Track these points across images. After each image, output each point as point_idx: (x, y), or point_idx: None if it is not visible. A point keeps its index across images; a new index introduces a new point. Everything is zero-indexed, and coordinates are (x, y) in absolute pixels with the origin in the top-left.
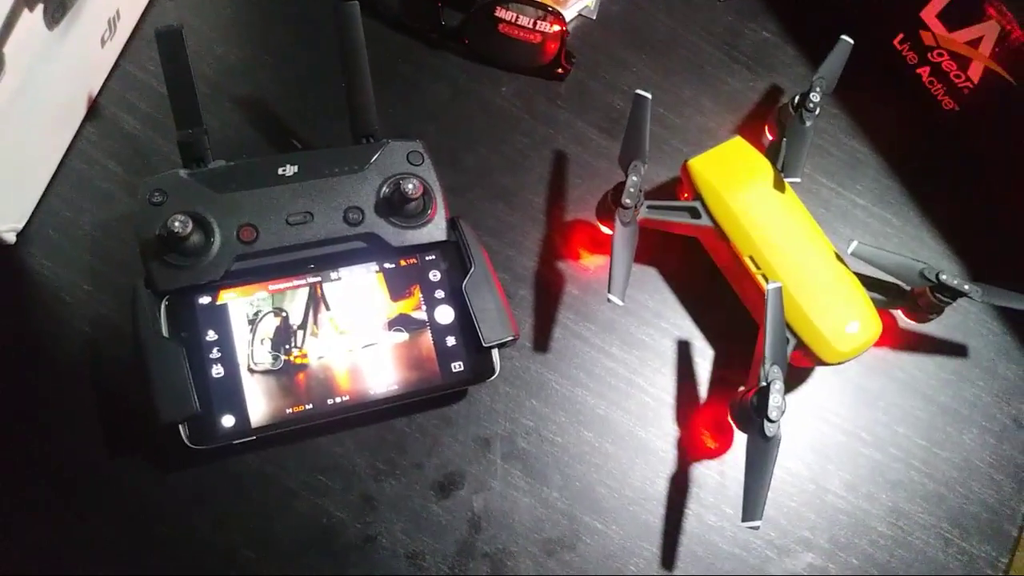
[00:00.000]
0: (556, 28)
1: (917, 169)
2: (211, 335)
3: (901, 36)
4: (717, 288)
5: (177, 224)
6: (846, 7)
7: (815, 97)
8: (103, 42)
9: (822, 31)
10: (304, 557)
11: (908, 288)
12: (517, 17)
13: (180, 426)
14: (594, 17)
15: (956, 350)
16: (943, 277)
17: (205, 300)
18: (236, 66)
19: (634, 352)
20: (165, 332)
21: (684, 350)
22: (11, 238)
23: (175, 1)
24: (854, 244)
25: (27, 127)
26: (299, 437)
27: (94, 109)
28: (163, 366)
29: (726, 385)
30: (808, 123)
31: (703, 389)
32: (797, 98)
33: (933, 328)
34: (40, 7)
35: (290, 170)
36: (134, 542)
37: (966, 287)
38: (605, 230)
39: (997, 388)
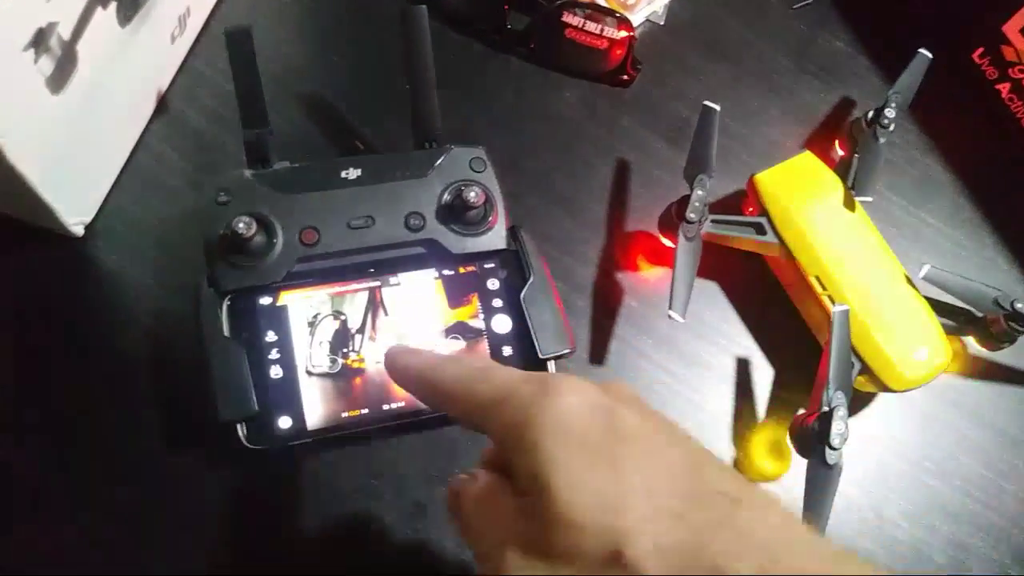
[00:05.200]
0: (623, 34)
1: (993, 190)
2: (271, 336)
3: (981, 50)
4: (779, 306)
5: (241, 225)
6: (923, 18)
7: (890, 113)
8: (173, 39)
9: (897, 42)
10: (353, 560)
11: (980, 315)
12: (584, 22)
13: (238, 426)
14: (662, 23)
15: None
16: (1018, 305)
17: (266, 301)
18: (302, 66)
19: (692, 368)
20: (227, 332)
21: (743, 368)
22: (79, 231)
23: None
24: (926, 268)
25: (97, 123)
26: (353, 441)
27: (162, 105)
28: (224, 366)
29: (785, 406)
30: (882, 140)
31: (761, 409)
32: (872, 113)
33: (1005, 357)
34: (113, 5)
35: (353, 173)
36: (186, 531)
37: None
38: (667, 243)
39: None
